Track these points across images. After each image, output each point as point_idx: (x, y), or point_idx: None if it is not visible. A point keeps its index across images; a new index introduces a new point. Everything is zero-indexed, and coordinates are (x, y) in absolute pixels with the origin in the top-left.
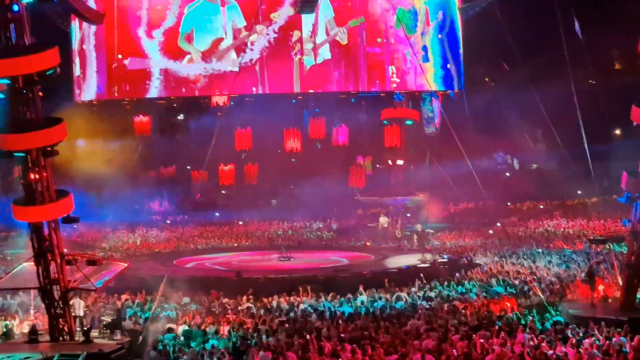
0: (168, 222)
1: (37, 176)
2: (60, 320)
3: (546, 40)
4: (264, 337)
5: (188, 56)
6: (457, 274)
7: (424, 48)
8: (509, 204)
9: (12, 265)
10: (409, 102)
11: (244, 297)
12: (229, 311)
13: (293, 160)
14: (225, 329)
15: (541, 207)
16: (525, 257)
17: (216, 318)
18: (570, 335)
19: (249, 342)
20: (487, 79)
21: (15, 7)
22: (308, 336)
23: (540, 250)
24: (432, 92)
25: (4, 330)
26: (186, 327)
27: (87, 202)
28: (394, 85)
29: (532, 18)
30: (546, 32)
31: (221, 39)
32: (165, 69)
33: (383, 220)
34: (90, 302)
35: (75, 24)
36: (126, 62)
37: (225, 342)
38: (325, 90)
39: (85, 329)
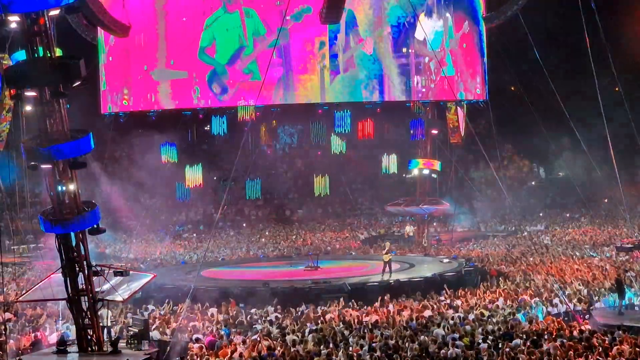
0: (194, 235)
1: (64, 188)
2: (89, 330)
3: (571, 47)
4: (291, 346)
5: (214, 65)
6: (482, 283)
7: (449, 57)
8: (535, 212)
9: (40, 276)
10: (434, 112)
11: (271, 307)
12: (258, 321)
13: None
14: (253, 338)
15: (567, 215)
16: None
17: (244, 328)
18: (597, 344)
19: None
20: (512, 88)
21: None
22: (333, 344)
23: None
24: (457, 102)
25: (33, 340)
26: (213, 337)
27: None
28: (420, 95)
29: (557, 26)
30: (571, 39)
31: (243, 48)
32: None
33: (409, 229)
34: (118, 313)
35: (101, 35)
36: (152, 73)
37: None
38: (351, 100)
39: (113, 339)
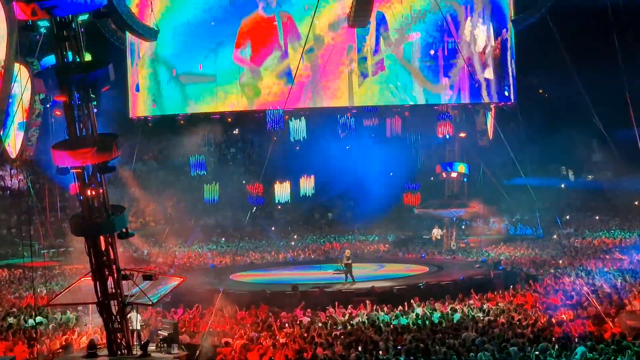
0: (222, 239)
1: (93, 192)
2: (118, 334)
3: (600, 50)
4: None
5: (243, 69)
6: (511, 286)
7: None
8: (564, 215)
9: (70, 280)
10: (462, 115)
11: (301, 311)
12: (287, 325)
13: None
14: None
15: (597, 218)
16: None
17: (273, 332)
18: (628, 347)
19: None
20: (540, 91)
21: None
22: (361, 348)
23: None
24: (485, 104)
25: (64, 344)
26: (243, 341)
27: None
28: (447, 97)
29: (586, 28)
30: (600, 42)
31: (278, 52)
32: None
33: (436, 232)
34: (147, 316)
35: (135, 40)
36: (181, 77)
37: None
38: (379, 104)
39: (143, 343)
